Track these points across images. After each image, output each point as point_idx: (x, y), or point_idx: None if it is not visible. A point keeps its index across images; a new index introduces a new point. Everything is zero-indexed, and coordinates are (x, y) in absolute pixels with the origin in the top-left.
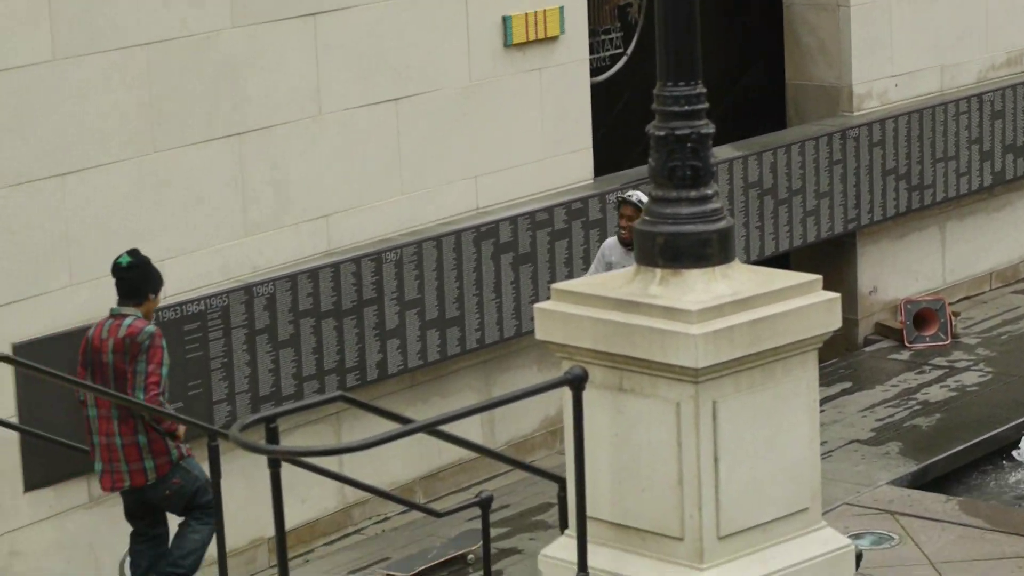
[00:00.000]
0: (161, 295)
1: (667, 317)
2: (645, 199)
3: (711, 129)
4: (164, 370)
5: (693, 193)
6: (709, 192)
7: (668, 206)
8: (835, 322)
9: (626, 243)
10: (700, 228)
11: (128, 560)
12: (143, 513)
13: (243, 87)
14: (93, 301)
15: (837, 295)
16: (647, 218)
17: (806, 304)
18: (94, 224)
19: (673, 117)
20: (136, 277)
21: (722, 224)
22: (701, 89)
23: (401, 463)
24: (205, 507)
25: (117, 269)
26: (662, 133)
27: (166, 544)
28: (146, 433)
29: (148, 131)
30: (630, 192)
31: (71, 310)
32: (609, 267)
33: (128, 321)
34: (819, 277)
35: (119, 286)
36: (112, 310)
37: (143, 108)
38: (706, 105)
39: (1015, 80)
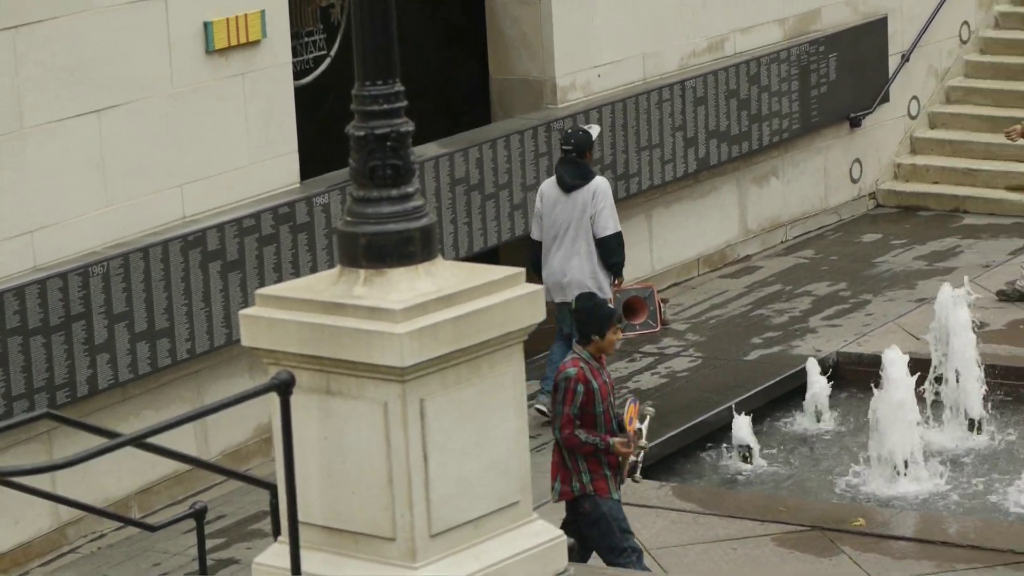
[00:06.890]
0: (615, 335)
1: (372, 317)
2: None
3: (410, 127)
4: (574, 410)
5: (394, 192)
6: (410, 190)
7: (370, 206)
8: (539, 314)
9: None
10: (402, 226)
11: None
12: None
13: None
14: None
15: (540, 287)
16: (348, 219)
17: (509, 298)
18: None
19: (372, 116)
20: (580, 321)
21: (424, 221)
22: (399, 87)
23: (115, 478)
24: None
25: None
26: (361, 133)
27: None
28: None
29: None
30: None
31: None
32: (539, 216)
33: (565, 361)
34: (522, 270)
35: None
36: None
37: None
38: (405, 103)
39: (715, 66)
